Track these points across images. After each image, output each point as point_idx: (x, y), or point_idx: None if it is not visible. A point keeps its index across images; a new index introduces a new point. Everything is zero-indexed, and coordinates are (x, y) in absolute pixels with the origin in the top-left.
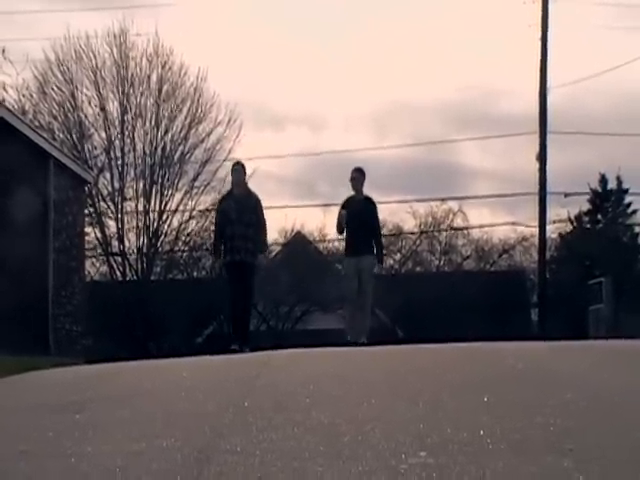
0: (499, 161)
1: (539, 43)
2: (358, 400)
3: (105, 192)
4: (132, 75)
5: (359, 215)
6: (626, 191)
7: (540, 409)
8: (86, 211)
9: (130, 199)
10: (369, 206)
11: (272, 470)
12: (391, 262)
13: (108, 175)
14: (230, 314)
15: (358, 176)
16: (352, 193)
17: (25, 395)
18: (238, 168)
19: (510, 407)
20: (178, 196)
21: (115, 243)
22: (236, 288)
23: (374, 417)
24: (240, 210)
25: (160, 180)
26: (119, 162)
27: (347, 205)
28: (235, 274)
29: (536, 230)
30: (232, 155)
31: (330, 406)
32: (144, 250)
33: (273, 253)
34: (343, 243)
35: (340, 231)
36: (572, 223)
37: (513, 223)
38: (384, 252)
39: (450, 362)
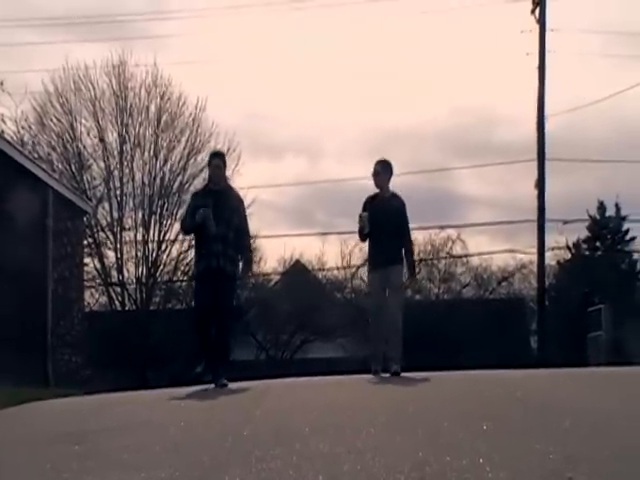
0: (497, 189)
1: (537, 71)
2: (357, 429)
3: (104, 222)
4: (131, 105)
5: (385, 217)
6: (624, 218)
7: (540, 437)
8: (85, 241)
9: (129, 229)
10: (396, 205)
11: None
12: None
13: (107, 205)
14: (199, 337)
15: (382, 170)
16: (375, 191)
17: (24, 427)
18: (217, 160)
19: (509, 435)
20: (177, 226)
21: (114, 273)
22: (208, 302)
23: (374, 446)
24: (219, 208)
25: (159, 210)
26: (118, 192)
27: (369, 206)
28: (209, 285)
29: (535, 257)
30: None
31: (329, 435)
32: (143, 280)
33: (272, 282)
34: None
35: (363, 238)
36: (571, 250)
37: (512, 250)
38: (416, 261)
39: (449, 390)
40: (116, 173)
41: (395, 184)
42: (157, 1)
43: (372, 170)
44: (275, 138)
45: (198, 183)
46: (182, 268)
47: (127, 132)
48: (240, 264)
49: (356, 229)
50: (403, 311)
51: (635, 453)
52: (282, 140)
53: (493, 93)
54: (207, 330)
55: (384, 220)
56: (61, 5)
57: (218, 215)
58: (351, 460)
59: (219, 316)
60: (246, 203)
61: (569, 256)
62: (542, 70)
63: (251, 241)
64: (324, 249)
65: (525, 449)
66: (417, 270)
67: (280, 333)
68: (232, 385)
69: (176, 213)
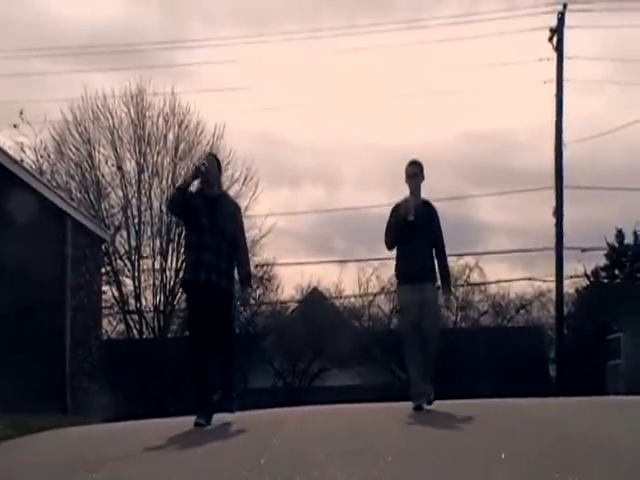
0: (515, 216)
1: (554, 99)
2: (375, 456)
3: (122, 250)
4: (149, 134)
5: (417, 225)
6: None
7: (558, 465)
8: (103, 269)
9: (147, 257)
10: (431, 213)
11: None
12: None
13: (125, 233)
14: (195, 364)
15: (418, 172)
16: (407, 195)
17: (42, 454)
18: (210, 157)
19: (528, 463)
20: None
21: (132, 301)
22: (204, 325)
23: (391, 474)
24: (213, 215)
25: (176, 238)
26: (136, 220)
27: (397, 214)
28: (200, 302)
29: (553, 285)
30: (248, 213)
31: (347, 463)
32: (161, 308)
33: (289, 310)
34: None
35: (393, 240)
36: (589, 278)
37: (530, 278)
38: (451, 277)
39: (467, 418)
40: (134, 201)
41: None
42: (174, 30)
43: (406, 172)
44: (293, 165)
45: None
46: None
47: (145, 160)
48: (237, 280)
49: (372, 256)
50: (440, 339)
51: None
52: (300, 167)
53: (511, 120)
54: (203, 356)
55: (417, 228)
56: (79, 35)
57: (211, 223)
58: None
59: (219, 340)
60: (264, 230)
61: (587, 284)
62: (560, 98)
63: (249, 255)
64: (342, 277)
65: (544, 477)
66: (452, 286)
67: (297, 361)
68: (249, 413)
69: None
